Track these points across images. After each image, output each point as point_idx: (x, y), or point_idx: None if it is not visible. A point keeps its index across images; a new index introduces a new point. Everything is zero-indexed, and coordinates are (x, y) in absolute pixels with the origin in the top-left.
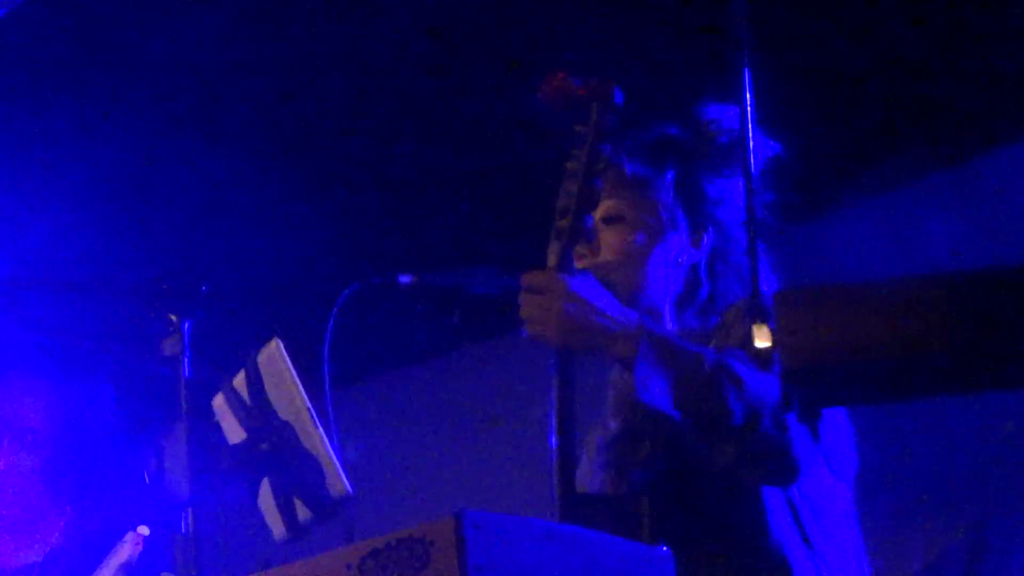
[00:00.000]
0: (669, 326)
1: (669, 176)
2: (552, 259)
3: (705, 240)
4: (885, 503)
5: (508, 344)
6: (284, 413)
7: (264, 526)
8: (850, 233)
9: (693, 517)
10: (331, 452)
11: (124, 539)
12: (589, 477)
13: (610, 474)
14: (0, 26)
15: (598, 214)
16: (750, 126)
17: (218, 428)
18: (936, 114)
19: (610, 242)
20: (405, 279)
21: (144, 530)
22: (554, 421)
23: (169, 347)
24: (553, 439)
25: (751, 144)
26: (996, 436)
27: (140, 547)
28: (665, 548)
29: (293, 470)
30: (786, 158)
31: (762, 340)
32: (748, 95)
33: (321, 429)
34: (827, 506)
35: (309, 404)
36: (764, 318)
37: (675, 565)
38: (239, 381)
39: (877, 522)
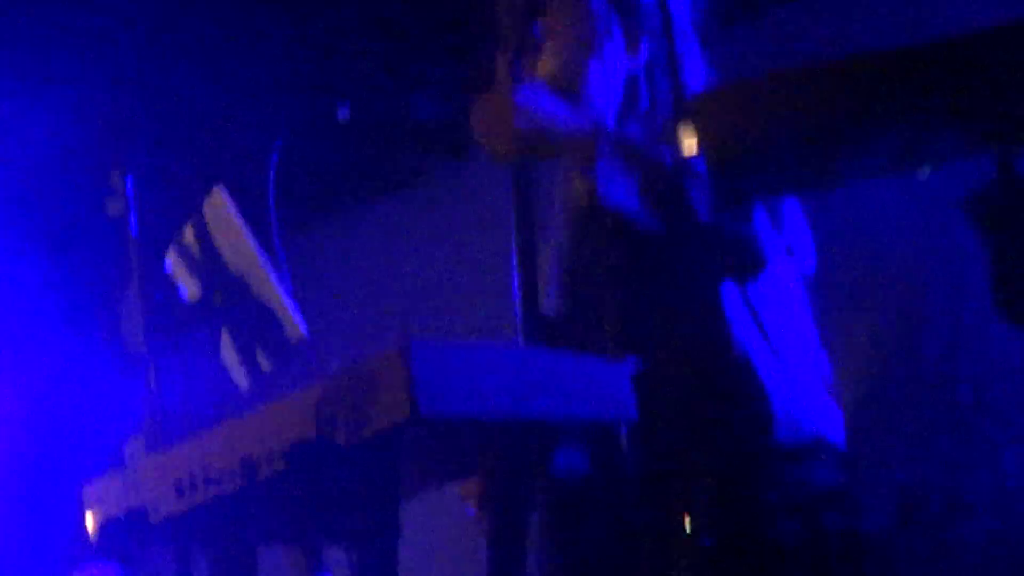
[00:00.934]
0: None
1: None
2: (501, 72)
3: (642, 47)
4: (854, 295)
5: (460, 173)
6: (235, 262)
7: (227, 378)
8: (790, 30)
9: (655, 324)
10: (285, 295)
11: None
12: (544, 298)
13: (564, 291)
14: None
15: None
16: None
17: (173, 285)
18: None
19: (546, 58)
20: (343, 113)
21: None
22: (515, 248)
23: (113, 206)
24: (514, 263)
25: None
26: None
27: None
28: (623, 362)
29: (250, 319)
30: None
31: (688, 137)
32: None
33: (273, 275)
34: (786, 301)
35: (259, 250)
36: (688, 116)
37: (640, 373)
38: (188, 234)
39: (853, 315)
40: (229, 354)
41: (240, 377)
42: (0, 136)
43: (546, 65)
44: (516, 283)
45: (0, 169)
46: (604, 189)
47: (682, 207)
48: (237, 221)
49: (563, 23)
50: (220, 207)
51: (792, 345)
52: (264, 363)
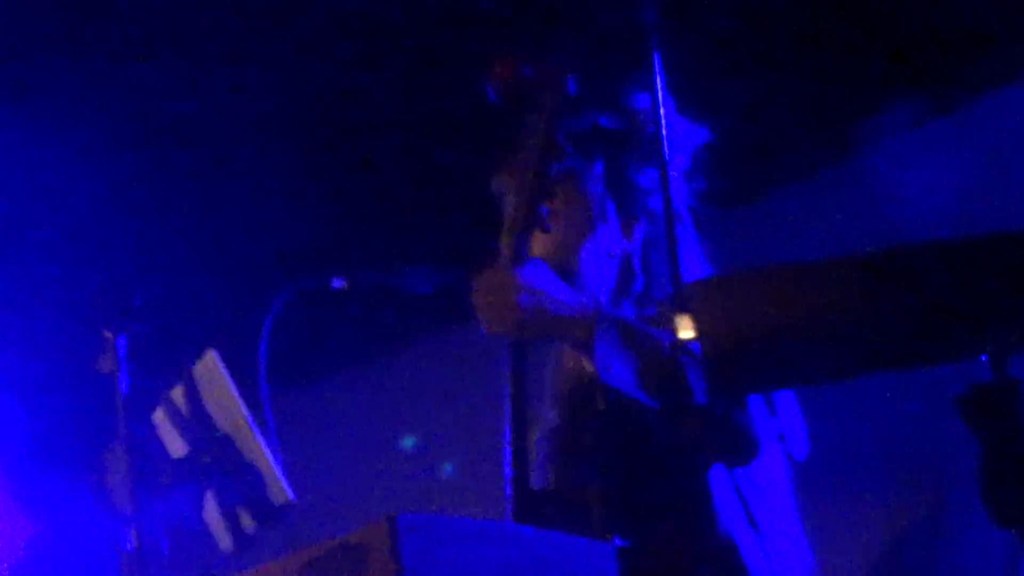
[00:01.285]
0: None
1: (598, 167)
2: (506, 250)
3: (636, 231)
4: (841, 484)
5: (450, 343)
6: (224, 424)
7: (210, 538)
8: (787, 214)
9: (642, 506)
10: (272, 460)
11: None
12: (532, 473)
13: (552, 468)
14: None
15: None
16: (661, 109)
17: (159, 442)
18: (865, 88)
19: (539, 238)
20: (338, 283)
21: None
22: (508, 418)
23: (104, 363)
24: (508, 436)
25: (663, 124)
26: (949, 410)
27: None
28: (607, 543)
29: (236, 481)
30: (715, 142)
31: (684, 330)
32: (658, 79)
33: (261, 438)
34: (773, 489)
35: (248, 413)
36: (686, 308)
37: (627, 555)
38: (177, 394)
39: (837, 503)
40: (213, 514)
41: (223, 537)
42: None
43: (542, 245)
44: (507, 457)
45: None
46: (602, 368)
47: (678, 390)
48: (227, 383)
49: (561, 205)
50: (211, 369)
51: (778, 532)
52: (248, 524)
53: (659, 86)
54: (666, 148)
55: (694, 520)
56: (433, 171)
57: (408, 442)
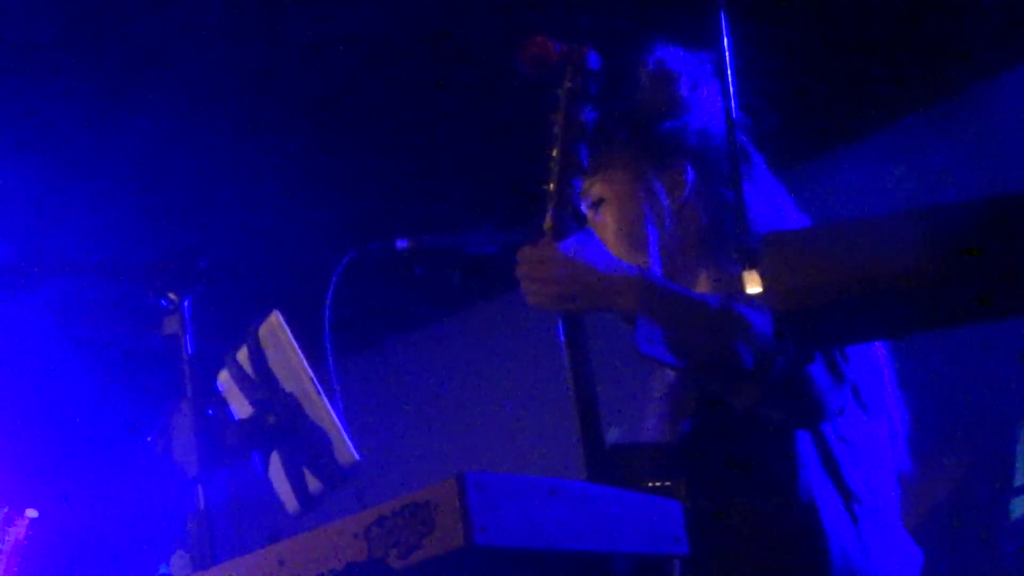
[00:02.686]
0: (687, 265)
1: (622, 135)
2: (548, 223)
3: (686, 177)
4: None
5: (512, 303)
6: (288, 385)
7: (276, 499)
8: (852, 170)
9: (725, 466)
10: (337, 421)
11: (14, 521)
12: (643, 428)
13: (665, 424)
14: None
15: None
16: (730, 70)
17: (224, 404)
18: (929, 45)
19: (604, 226)
20: (402, 244)
21: (32, 513)
22: (572, 380)
23: (170, 325)
24: (574, 398)
25: (732, 88)
26: (1015, 367)
27: (29, 529)
28: (677, 502)
29: (301, 441)
30: (779, 96)
31: (752, 285)
32: (726, 38)
33: (326, 399)
34: (865, 446)
35: (312, 374)
36: (754, 263)
37: (706, 516)
38: (242, 356)
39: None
40: (278, 475)
41: (289, 498)
42: (64, 256)
43: (604, 234)
44: (577, 415)
45: (66, 286)
46: (645, 339)
47: (726, 357)
48: (292, 344)
49: (605, 188)
50: (276, 330)
51: (870, 486)
52: (313, 485)
53: (728, 45)
54: (730, 82)
55: (773, 483)
56: (496, 132)
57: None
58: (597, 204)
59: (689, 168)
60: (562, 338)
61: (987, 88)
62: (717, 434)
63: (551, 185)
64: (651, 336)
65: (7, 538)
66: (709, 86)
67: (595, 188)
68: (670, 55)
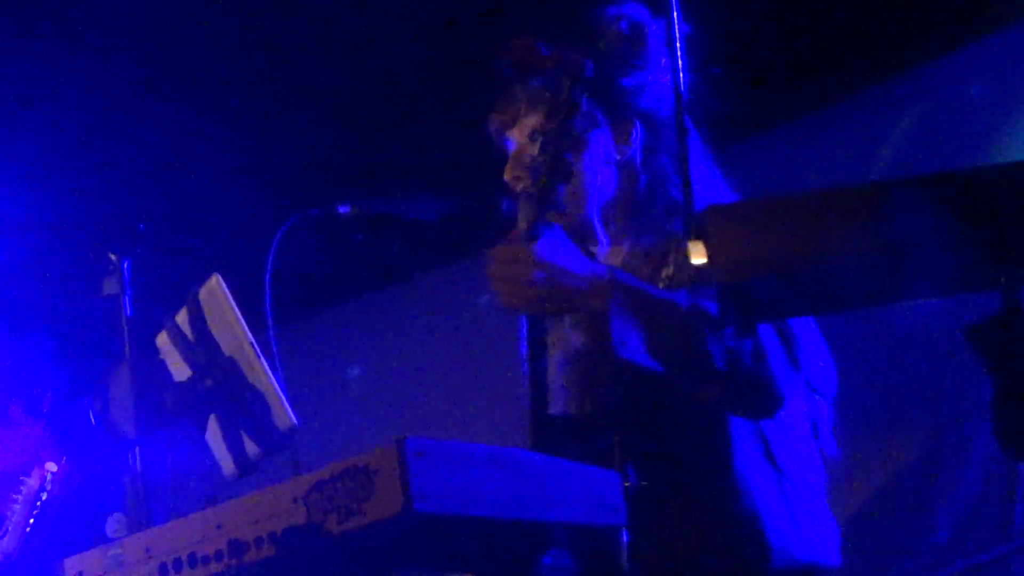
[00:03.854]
0: (601, 236)
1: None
2: (522, 223)
3: (634, 134)
4: (841, 419)
5: (453, 273)
6: (228, 348)
7: (213, 462)
8: (800, 145)
9: (659, 443)
10: (276, 385)
11: (31, 475)
12: (551, 398)
13: (573, 394)
14: None
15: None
16: (678, 44)
17: (163, 366)
18: (880, 20)
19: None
20: (343, 209)
21: (51, 466)
22: (525, 341)
23: (109, 286)
24: (524, 362)
25: (679, 49)
26: (945, 345)
27: (48, 480)
28: (616, 474)
29: (239, 405)
30: (729, 68)
31: (697, 256)
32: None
33: (265, 363)
34: (797, 427)
35: (252, 339)
36: (699, 234)
37: (640, 492)
38: (181, 318)
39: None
40: (215, 439)
41: (225, 462)
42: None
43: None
44: (527, 382)
45: (1, 245)
46: (619, 342)
47: (697, 357)
48: (232, 307)
49: (551, 121)
50: (216, 293)
51: (802, 466)
52: (251, 449)
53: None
54: (678, 46)
55: (708, 462)
56: (437, 102)
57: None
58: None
59: (639, 126)
60: (523, 334)
61: (944, 64)
62: (647, 407)
63: (534, 186)
64: (625, 339)
65: (24, 490)
66: (665, 55)
67: (533, 120)
68: (638, 14)
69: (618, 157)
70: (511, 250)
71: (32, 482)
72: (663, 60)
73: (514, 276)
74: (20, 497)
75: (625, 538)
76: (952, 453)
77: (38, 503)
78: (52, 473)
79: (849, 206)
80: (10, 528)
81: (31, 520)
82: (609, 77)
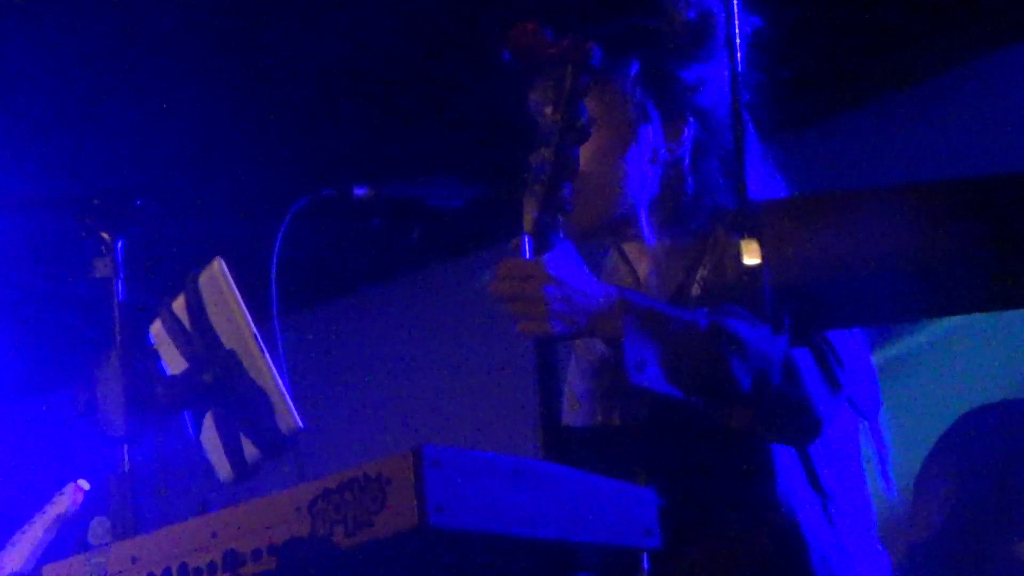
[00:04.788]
0: (646, 232)
1: (634, 67)
2: (528, 224)
3: (686, 132)
4: (906, 447)
5: (474, 264)
6: (228, 340)
7: (207, 465)
8: (852, 141)
9: (690, 460)
10: (280, 383)
11: (63, 491)
12: (573, 409)
13: (599, 404)
14: None
15: None
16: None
17: (156, 357)
18: (934, 16)
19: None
20: (360, 191)
21: (84, 484)
22: (536, 354)
23: (101, 268)
24: (536, 372)
25: (736, 30)
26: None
27: (79, 500)
28: (649, 489)
29: (239, 404)
30: (779, 52)
31: (751, 256)
32: None
33: (269, 358)
34: (844, 448)
35: (255, 330)
36: (752, 231)
37: (666, 511)
38: (178, 305)
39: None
40: (211, 439)
41: (221, 465)
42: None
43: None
44: (536, 390)
45: None
46: (634, 367)
47: (719, 380)
48: (235, 295)
49: (597, 111)
50: (218, 279)
51: (848, 489)
52: (250, 452)
53: None
54: (736, 35)
55: (747, 482)
56: (463, 81)
57: None
58: None
59: (693, 124)
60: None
61: (993, 60)
62: (679, 422)
63: (540, 186)
64: (639, 363)
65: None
66: (725, 51)
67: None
68: (709, 2)
69: (667, 155)
70: (519, 265)
71: (62, 499)
72: (724, 56)
73: (526, 294)
74: (45, 512)
75: (646, 564)
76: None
77: (60, 520)
78: (84, 492)
79: (922, 202)
80: (22, 542)
81: (47, 537)
82: (667, 68)
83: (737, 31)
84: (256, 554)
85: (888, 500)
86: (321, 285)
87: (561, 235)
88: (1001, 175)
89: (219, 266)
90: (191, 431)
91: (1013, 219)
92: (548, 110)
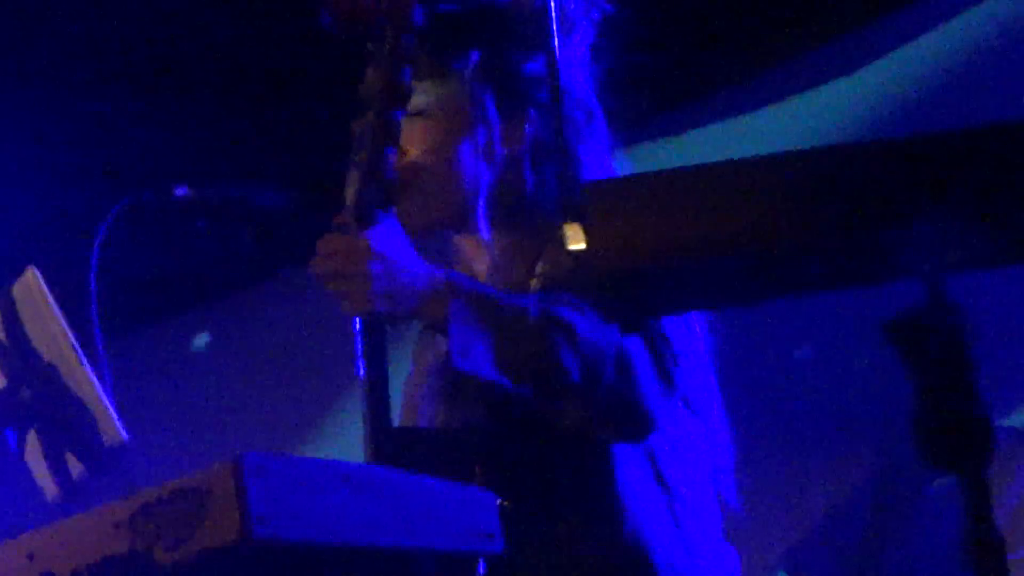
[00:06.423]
0: (483, 228)
1: (473, 58)
2: (350, 195)
3: (527, 128)
4: (784, 443)
5: (298, 274)
6: (47, 353)
7: (34, 485)
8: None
9: (528, 462)
10: (103, 395)
11: None
12: (416, 405)
13: (443, 404)
14: None
15: None
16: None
17: None
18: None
19: (412, 138)
20: (181, 191)
21: None
22: (360, 349)
23: None
24: (361, 369)
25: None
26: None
27: None
28: (491, 492)
29: (61, 419)
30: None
31: (575, 241)
32: None
33: (90, 369)
34: (687, 444)
35: (75, 342)
36: (577, 216)
37: (509, 517)
38: None
39: (778, 463)
40: (35, 457)
41: (47, 484)
42: None
43: (419, 139)
44: (362, 391)
45: None
46: (459, 351)
47: (550, 370)
48: (51, 305)
49: (433, 103)
50: (32, 289)
51: (692, 485)
52: (75, 469)
53: None
54: (554, 23)
55: (586, 483)
56: (289, 80)
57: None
58: (412, 114)
59: (534, 118)
60: (359, 339)
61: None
62: (516, 424)
63: (362, 154)
64: (465, 348)
65: None
66: (580, 35)
67: (414, 96)
68: None
69: (506, 151)
70: (342, 241)
71: None
72: (575, 40)
73: (349, 271)
74: None
75: (482, 569)
76: (903, 487)
77: None
78: None
79: (745, 177)
80: None
81: None
82: (509, 60)
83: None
84: (74, 575)
85: (729, 510)
86: (145, 298)
87: (388, 212)
88: (844, 144)
89: (33, 275)
90: (13, 449)
91: (855, 192)
92: (370, 73)
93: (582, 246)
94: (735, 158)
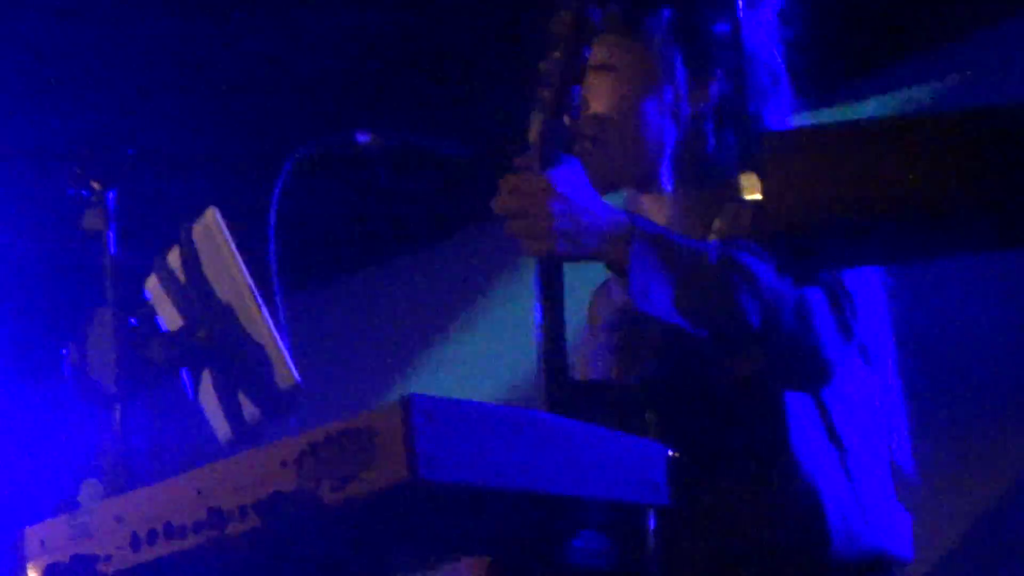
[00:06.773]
0: (666, 184)
1: (664, 16)
2: (533, 134)
3: (713, 88)
4: (950, 409)
5: (477, 234)
6: (224, 294)
7: (206, 425)
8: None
9: (703, 416)
10: (277, 338)
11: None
12: (589, 361)
13: (618, 358)
14: None
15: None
16: None
17: (152, 313)
18: None
19: (599, 92)
20: (363, 137)
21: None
22: (538, 294)
23: (91, 220)
24: (538, 315)
25: None
26: None
27: None
28: (659, 445)
29: (237, 360)
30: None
31: (751, 191)
32: None
33: (266, 312)
34: (862, 401)
35: (252, 283)
36: (754, 164)
37: (680, 469)
38: (173, 258)
39: (940, 433)
40: (209, 398)
41: (220, 425)
42: None
43: (603, 96)
44: (539, 343)
45: None
46: (639, 292)
47: (728, 313)
48: (231, 247)
49: (621, 58)
50: (212, 230)
51: (866, 442)
52: (249, 412)
53: None
54: None
55: (761, 439)
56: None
57: None
58: (599, 68)
59: (721, 79)
60: (537, 283)
61: None
62: (691, 378)
63: (547, 90)
64: (645, 290)
65: None
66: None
67: (602, 51)
68: None
69: (691, 111)
70: (524, 180)
71: None
72: (761, 8)
73: (531, 210)
74: None
75: (652, 523)
76: None
77: None
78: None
79: (941, 131)
80: None
81: None
82: (699, 20)
83: None
84: (242, 511)
85: (902, 475)
86: (324, 260)
87: (571, 154)
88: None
89: (213, 216)
90: (188, 391)
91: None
92: (561, 13)
93: (758, 196)
94: (909, 114)
